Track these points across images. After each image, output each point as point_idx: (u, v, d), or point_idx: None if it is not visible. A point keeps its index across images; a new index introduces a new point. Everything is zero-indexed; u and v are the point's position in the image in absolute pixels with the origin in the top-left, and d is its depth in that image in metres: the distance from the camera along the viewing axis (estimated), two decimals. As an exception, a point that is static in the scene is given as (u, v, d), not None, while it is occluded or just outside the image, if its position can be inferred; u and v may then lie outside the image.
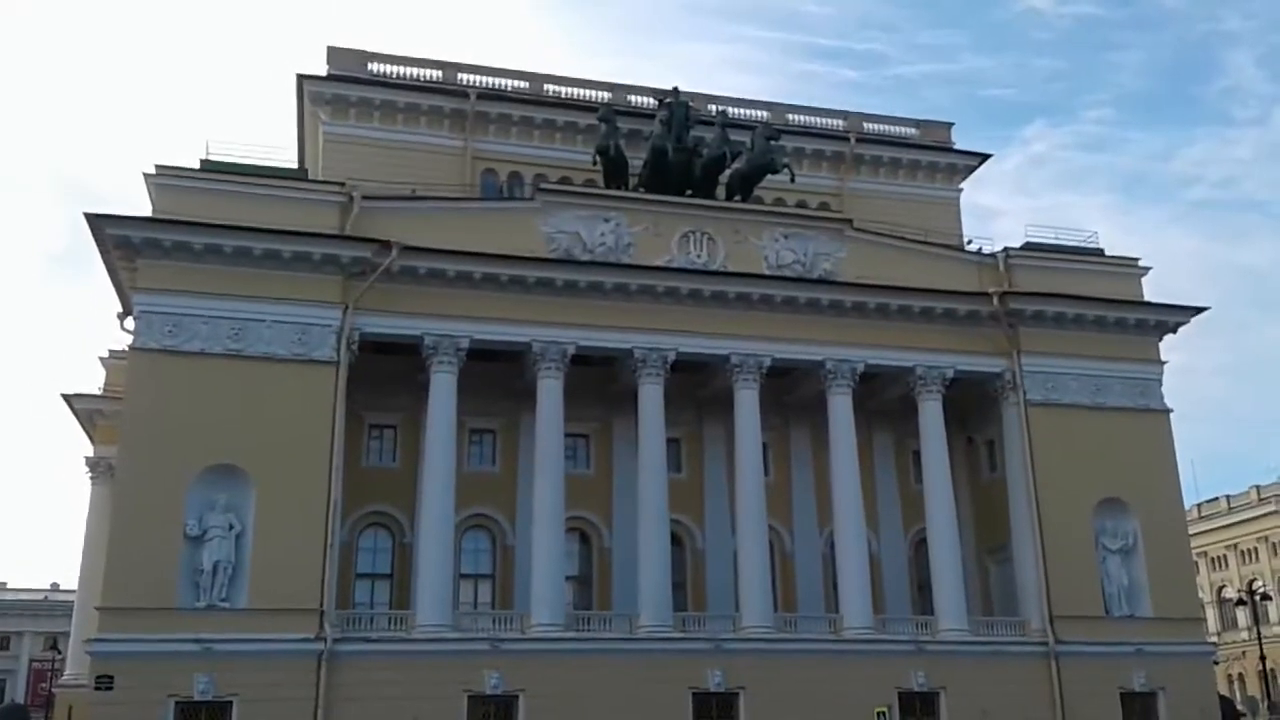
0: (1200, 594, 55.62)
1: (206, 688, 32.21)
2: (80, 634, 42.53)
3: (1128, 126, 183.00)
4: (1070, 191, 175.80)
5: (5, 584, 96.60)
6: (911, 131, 51.66)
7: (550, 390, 38.39)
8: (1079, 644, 39.49)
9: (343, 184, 38.18)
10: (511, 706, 35.13)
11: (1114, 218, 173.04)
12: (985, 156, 51.85)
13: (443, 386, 37.53)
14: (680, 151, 42.41)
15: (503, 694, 34.99)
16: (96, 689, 31.65)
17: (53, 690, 51.43)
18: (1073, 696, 38.85)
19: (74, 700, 35.73)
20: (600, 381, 41.82)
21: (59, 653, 55.60)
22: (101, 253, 36.00)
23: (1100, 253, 45.65)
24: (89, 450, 50.30)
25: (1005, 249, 44.08)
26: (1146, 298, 44.93)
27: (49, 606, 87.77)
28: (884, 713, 35.67)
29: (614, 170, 42.45)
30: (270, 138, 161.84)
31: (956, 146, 51.84)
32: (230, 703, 32.46)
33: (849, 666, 37.59)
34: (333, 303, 36.24)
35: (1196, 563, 67.28)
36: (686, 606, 40.60)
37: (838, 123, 50.42)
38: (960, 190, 51.61)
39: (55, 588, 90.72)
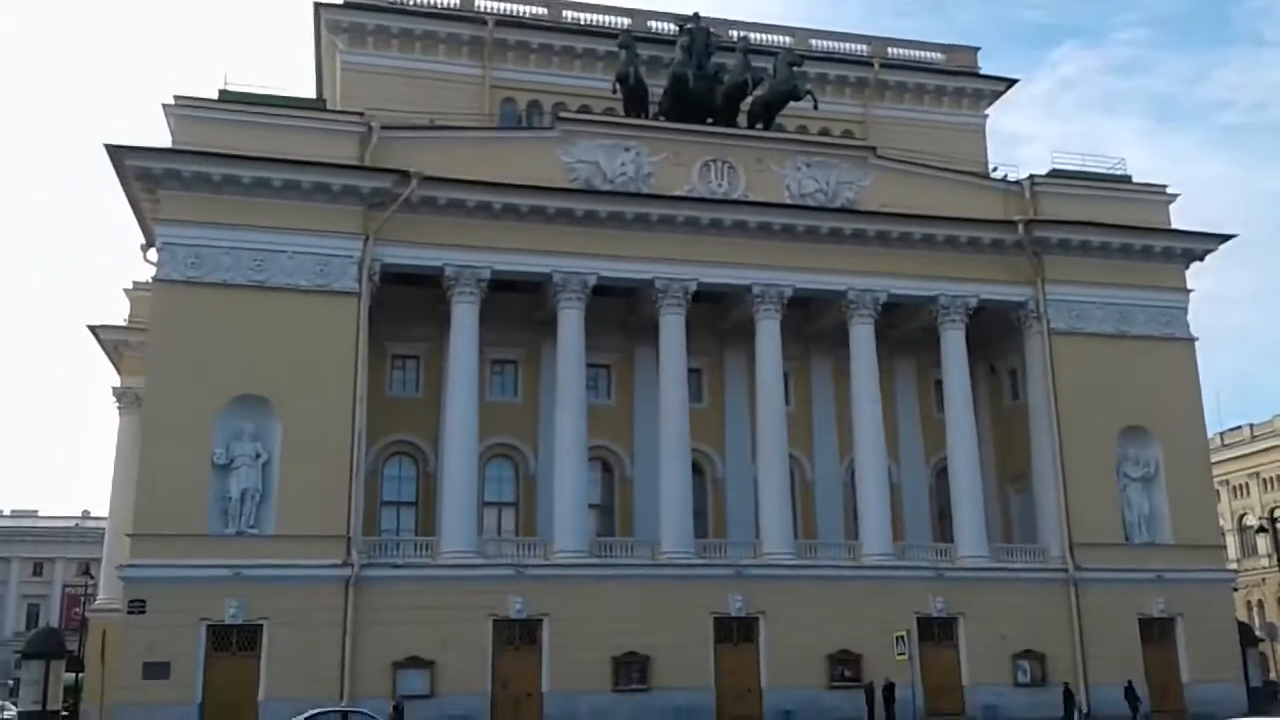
0: (1221, 521, 55.77)
1: (237, 611, 32.96)
2: (112, 560, 43.40)
3: (1159, 48, 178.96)
4: (1100, 116, 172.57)
5: (37, 511, 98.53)
6: (937, 57, 50.74)
7: (571, 321, 38.44)
8: (1098, 570, 39.76)
9: (361, 114, 37.96)
10: (536, 630, 35.80)
11: (1144, 142, 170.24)
12: (1012, 82, 50.94)
13: (464, 317, 37.65)
14: (701, 79, 41.86)
15: (527, 618, 35.64)
16: (129, 613, 32.44)
17: (86, 615, 52.61)
18: (1091, 622, 39.23)
19: (107, 624, 36.60)
20: (621, 312, 41.85)
21: (91, 578, 56.79)
22: (123, 184, 36.11)
23: (1128, 180, 45.03)
24: (116, 381, 50.85)
25: (1031, 176, 43.54)
26: (1174, 225, 44.41)
27: (81, 533, 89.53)
28: (903, 637, 36.12)
29: (634, 98, 41.98)
30: (288, 68, 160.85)
31: (982, 72, 50.95)
32: (261, 626, 33.22)
33: (868, 592, 38.01)
34: (353, 233, 36.27)
35: (1218, 490, 67.04)
36: (707, 534, 41.02)
37: (861, 48, 49.56)
38: (986, 116, 50.80)
39: (86, 515, 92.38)
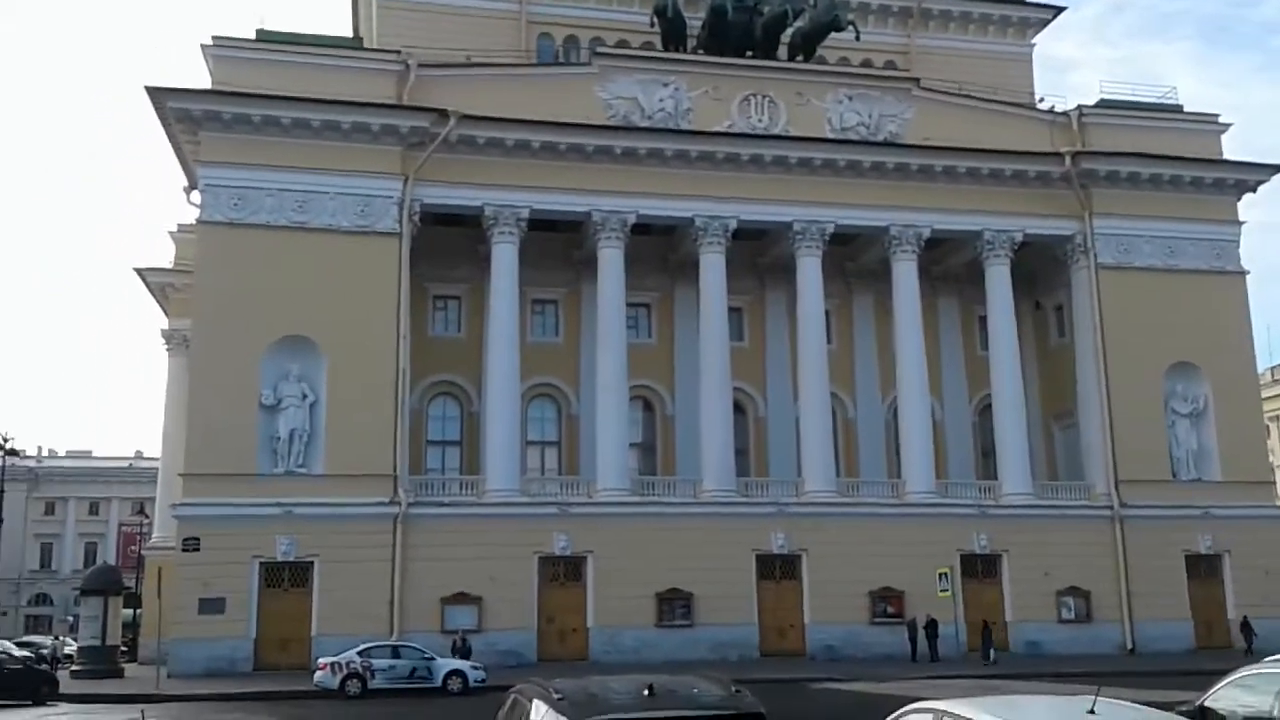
0: (1270, 458, 54.96)
1: (289, 549, 33.61)
2: (166, 499, 44.23)
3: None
4: (1151, 40, 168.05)
5: (91, 452, 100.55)
6: (983, -16, 49.39)
7: (611, 260, 38.33)
8: (1145, 507, 39.48)
9: (398, 52, 37.74)
10: (580, 566, 36.22)
11: (1195, 67, 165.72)
12: (1059, 9, 49.57)
13: (504, 257, 37.65)
14: (740, 10, 41.14)
15: (571, 555, 36.04)
16: (184, 550, 33.15)
17: (141, 552, 53.87)
18: (1136, 559, 39.05)
19: (162, 562, 37.41)
20: (661, 250, 41.65)
21: (146, 517, 57.98)
22: (165, 127, 36.24)
23: (1178, 109, 43.91)
24: (164, 323, 51.47)
25: (1078, 107, 42.57)
26: (1226, 155, 43.34)
27: (134, 473, 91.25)
28: (945, 574, 36.17)
29: (672, 32, 41.39)
30: (324, 7, 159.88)
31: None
32: (311, 563, 33.87)
33: (911, 530, 38.03)
34: (393, 174, 36.25)
35: (1268, 426, 66.23)
36: (749, 472, 41.12)
37: (905, -24, 48.33)
38: (1033, 45, 49.57)
39: (140, 455, 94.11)
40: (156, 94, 34.72)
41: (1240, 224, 43.10)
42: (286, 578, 34.01)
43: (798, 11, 41.78)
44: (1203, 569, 40.22)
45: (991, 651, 35.24)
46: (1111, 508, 39.49)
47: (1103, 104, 43.07)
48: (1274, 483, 50.88)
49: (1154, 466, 40.31)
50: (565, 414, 41.88)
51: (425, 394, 40.23)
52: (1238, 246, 42.99)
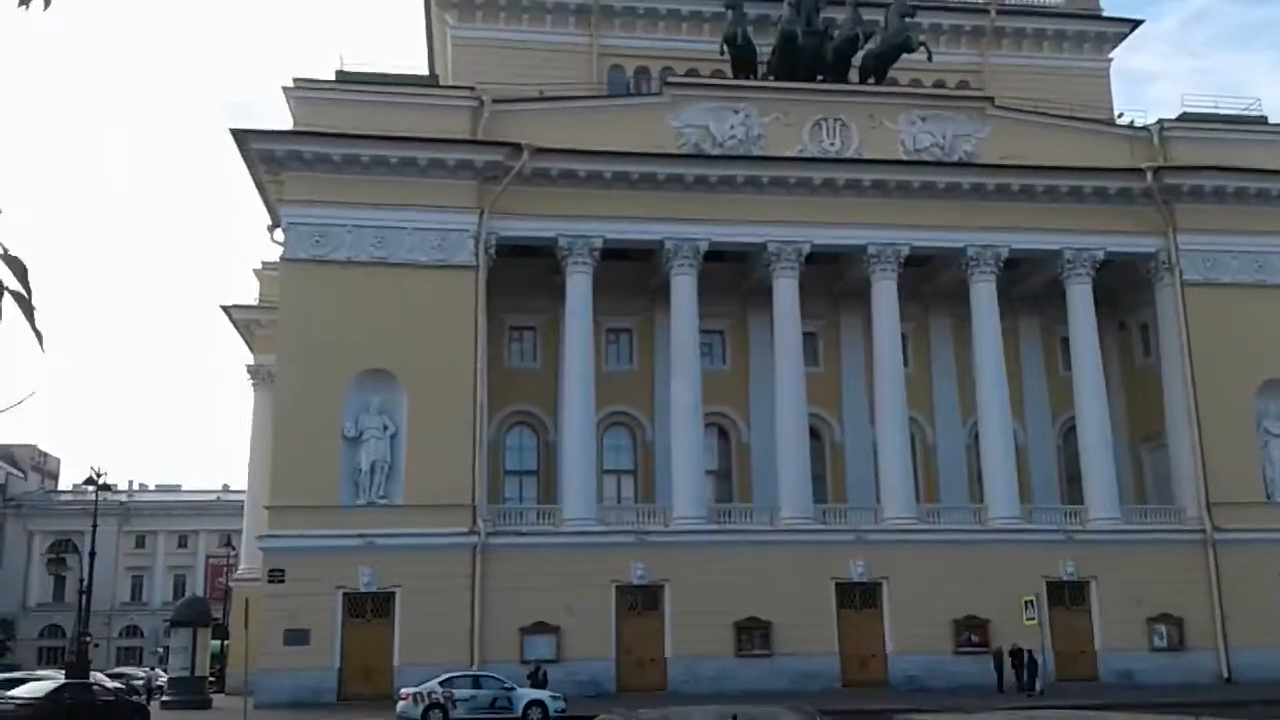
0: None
1: (371, 579, 34.05)
2: (251, 531, 45.16)
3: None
4: (1234, 50, 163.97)
5: (181, 486, 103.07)
6: (1056, 0, 48.82)
7: (684, 287, 38.39)
8: (1238, 531, 38.20)
9: (473, 88, 38.39)
10: (658, 595, 36.10)
11: None
12: (1137, 23, 48.77)
13: (579, 287, 37.92)
14: (810, 35, 41.08)
15: (649, 584, 35.95)
16: (270, 581, 33.78)
17: (229, 584, 54.94)
18: (1231, 584, 37.76)
19: (249, 593, 38.11)
20: (734, 276, 41.61)
21: (233, 549, 59.21)
22: (248, 167, 37.23)
23: (1263, 120, 42.80)
24: (249, 358, 52.72)
25: (1159, 121, 41.71)
26: (1316, 165, 42.01)
27: (221, 506, 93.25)
28: (1031, 601, 35.32)
29: (742, 59, 41.48)
30: (401, 45, 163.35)
31: (1105, 13, 48.84)
32: (394, 593, 34.27)
33: (994, 556, 37.24)
34: (469, 208, 36.79)
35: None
36: (826, 499, 40.71)
37: (976, -5, 47.94)
38: (1110, 60, 48.77)
39: (226, 488, 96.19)
40: (241, 136, 35.74)
41: (1332, 236, 41.71)
42: (369, 608, 34.44)
43: (868, 34, 41.61)
44: (1303, 594, 38.70)
45: (1037, 681, 34.16)
46: (1204, 531, 38.30)
47: (1184, 117, 42.14)
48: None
49: (1247, 488, 39.02)
50: (640, 442, 41.91)
51: (502, 424, 40.59)
52: (1330, 259, 41.60)
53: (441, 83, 41.75)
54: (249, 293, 54.45)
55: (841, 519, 38.56)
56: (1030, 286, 43.20)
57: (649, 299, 41.36)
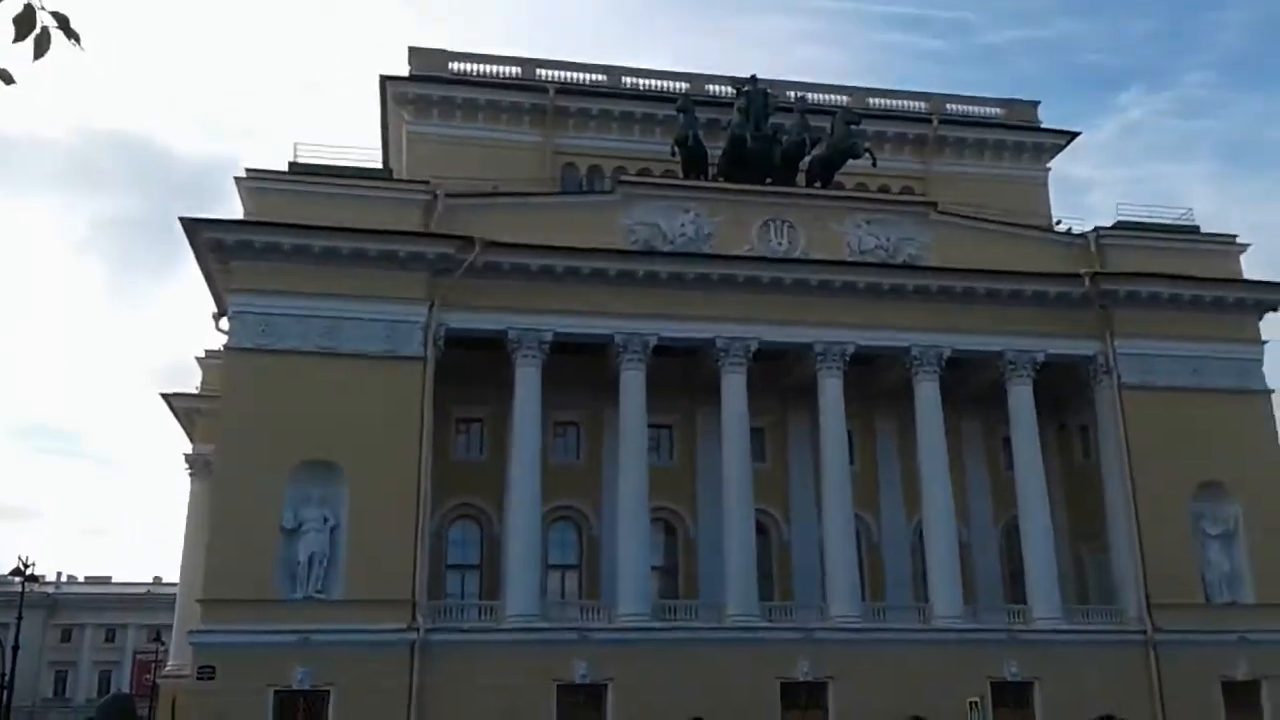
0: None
1: (304, 677, 33.05)
2: (182, 626, 43.90)
3: (1229, 90, 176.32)
4: (1169, 160, 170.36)
5: (110, 578, 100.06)
6: (996, 111, 50.67)
7: (633, 382, 38.53)
8: (1178, 632, 38.45)
9: (427, 182, 38.74)
10: (600, 695, 35.41)
11: (1216, 187, 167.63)
12: (1073, 135, 50.66)
13: (528, 380, 37.90)
14: (759, 139, 42.15)
15: (591, 683, 35.29)
16: (199, 679, 32.65)
17: (156, 681, 53.15)
18: (1172, 686, 37.89)
19: (177, 690, 36.93)
20: (683, 372, 41.83)
21: (162, 644, 57.41)
22: (197, 256, 37.07)
23: (1196, 230, 44.34)
24: (188, 448, 51.82)
25: (1096, 229, 43.07)
26: (1247, 274, 43.58)
27: (152, 599, 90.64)
28: (976, 703, 35.12)
29: (693, 160, 42.37)
30: (355, 139, 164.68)
31: (1043, 125, 50.74)
32: (328, 692, 33.24)
33: (939, 656, 37.12)
34: (419, 299, 36.82)
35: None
36: (773, 596, 40.48)
37: (920, 105, 49.67)
38: (1048, 169, 50.50)
39: (158, 581, 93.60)
40: (191, 225, 35.64)
41: (1264, 343, 43.02)
42: (302, 708, 33.32)
43: (815, 140, 42.77)
44: (1240, 696, 38.91)
45: None
46: (1144, 632, 38.53)
47: (1120, 225, 43.56)
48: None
49: (1186, 589, 39.44)
50: (586, 536, 41.56)
51: (446, 517, 40.08)
52: (1261, 365, 42.84)
53: (395, 176, 42.10)
54: (191, 381, 53.78)
55: (788, 616, 38.32)
56: (973, 387, 43.91)
57: (598, 393, 41.39)
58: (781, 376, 42.69)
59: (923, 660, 36.84)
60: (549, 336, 38.07)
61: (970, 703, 35.06)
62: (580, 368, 40.64)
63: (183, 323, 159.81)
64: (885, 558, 43.06)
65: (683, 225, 39.67)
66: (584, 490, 41.37)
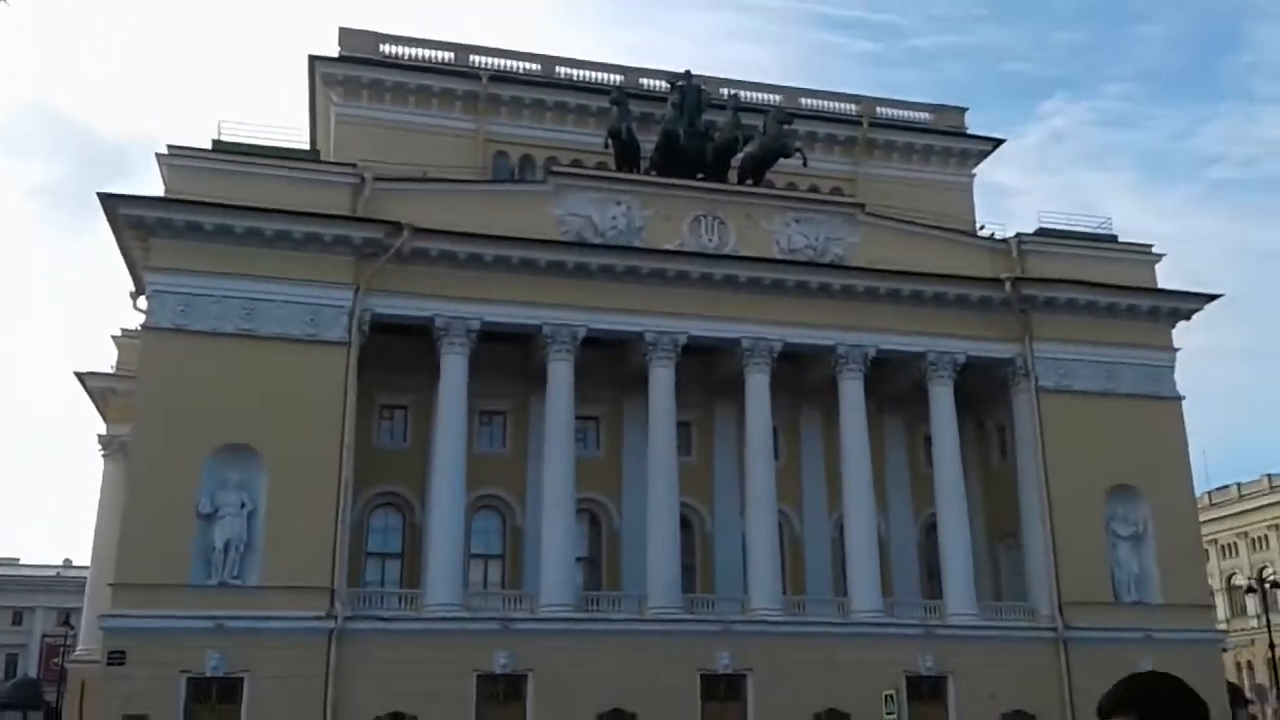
0: (1210, 581, 55.60)
1: (218, 664, 32.49)
2: (93, 610, 42.86)
3: (1150, 102, 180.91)
4: (1091, 169, 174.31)
5: (18, 559, 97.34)
6: (925, 116, 51.44)
7: (561, 372, 38.46)
8: (1088, 630, 39.49)
9: (354, 165, 38.23)
10: (520, 686, 35.35)
11: (1135, 196, 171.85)
12: (999, 142, 51.63)
13: (454, 368, 37.63)
14: (692, 135, 42.31)
15: (511, 673, 35.21)
16: (109, 664, 31.96)
17: (65, 665, 51.84)
18: (1081, 682, 38.85)
19: (86, 675, 36.06)
20: (611, 364, 41.88)
21: (71, 628, 56.07)
22: (115, 232, 36.15)
23: (1113, 239, 45.52)
24: (102, 428, 50.54)
25: (1018, 235, 43.97)
26: (1161, 283, 44.81)
27: (61, 582, 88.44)
28: (891, 696, 35.73)
29: (626, 153, 42.38)
30: (282, 119, 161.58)
31: (970, 131, 51.63)
32: (241, 679, 32.72)
33: (857, 650, 37.66)
34: (344, 283, 36.33)
35: (1207, 550, 67.14)
36: (695, 589, 40.73)
37: (851, 107, 50.19)
38: (973, 175, 51.40)
39: (68, 564, 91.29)
40: (109, 200, 34.74)
41: (1175, 350, 44.28)
42: (215, 694, 32.76)
43: (748, 137, 43.06)
44: (1147, 693, 40.00)
45: None
46: (1055, 629, 39.51)
47: (1041, 232, 44.52)
48: (1213, 607, 51.31)
49: (1096, 588, 40.51)
50: (510, 526, 41.41)
51: (368, 505, 39.64)
52: (1173, 372, 44.08)
53: (323, 158, 41.46)
54: (105, 360, 52.45)
55: (709, 609, 38.58)
56: (896, 386, 44.59)
57: (525, 383, 41.25)
58: (709, 371, 42.96)
59: (841, 654, 37.33)
60: (476, 325, 37.83)
61: (885, 696, 35.65)
62: (508, 357, 40.47)
63: (98, 300, 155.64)
64: (807, 552, 43.58)
65: (614, 218, 39.66)
66: (509, 480, 41.20)
